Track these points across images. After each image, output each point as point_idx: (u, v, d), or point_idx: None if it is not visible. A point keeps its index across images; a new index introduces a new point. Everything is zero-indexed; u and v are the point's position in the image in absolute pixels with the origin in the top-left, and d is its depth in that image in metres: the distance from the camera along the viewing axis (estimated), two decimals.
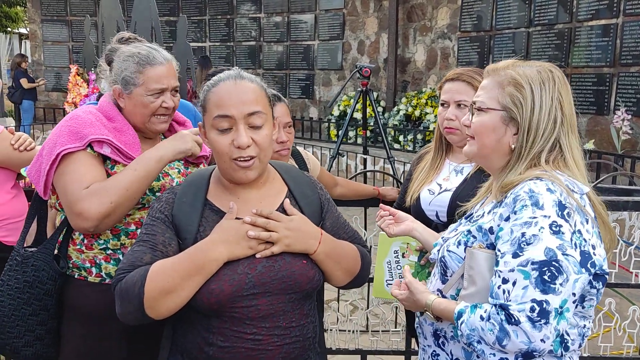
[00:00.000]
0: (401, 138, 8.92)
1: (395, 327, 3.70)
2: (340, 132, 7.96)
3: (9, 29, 23.20)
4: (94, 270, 1.83)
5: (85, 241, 1.82)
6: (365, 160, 6.94)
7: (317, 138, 10.10)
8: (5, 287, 1.82)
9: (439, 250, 1.53)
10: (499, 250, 1.31)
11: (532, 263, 1.24)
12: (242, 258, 1.42)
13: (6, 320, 1.80)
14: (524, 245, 1.26)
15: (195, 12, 12.30)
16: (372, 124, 8.45)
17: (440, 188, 2.07)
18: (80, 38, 12.42)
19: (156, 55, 1.84)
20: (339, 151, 6.73)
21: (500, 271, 1.28)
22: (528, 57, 7.82)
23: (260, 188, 1.53)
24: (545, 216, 1.26)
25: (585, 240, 1.29)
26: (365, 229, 3.20)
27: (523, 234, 1.27)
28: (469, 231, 1.42)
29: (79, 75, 7.32)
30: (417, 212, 2.07)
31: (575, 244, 1.27)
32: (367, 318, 3.58)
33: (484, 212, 1.45)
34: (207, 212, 1.49)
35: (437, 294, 1.47)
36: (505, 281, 1.26)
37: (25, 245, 1.89)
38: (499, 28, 8.26)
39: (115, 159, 1.78)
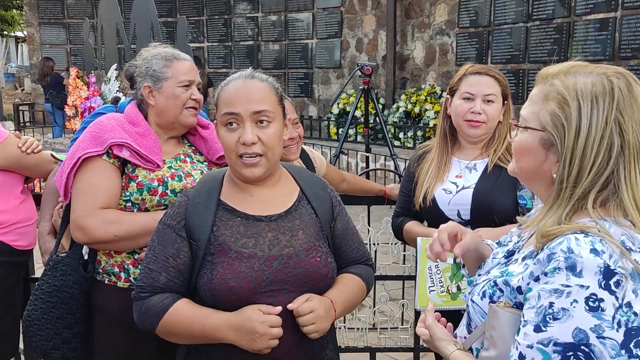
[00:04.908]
0: (401, 135, 8.92)
1: (402, 325, 3.71)
2: (341, 130, 7.96)
3: (5, 32, 23.17)
4: (122, 275, 1.86)
5: None
6: (367, 158, 6.95)
7: (317, 137, 10.11)
8: (38, 292, 1.88)
9: (469, 292, 1.32)
10: (523, 316, 1.08)
11: (556, 344, 1.01)
12: (259, 255, 1.45)
13: (37, 324, 1.85)
14: (550, 318, 1.02)
15: (192, 12, 12.27)
16: (371, 121, 8.46)
17: (457, 186, 2.03)
18: (78, 41, 12.40)
19: (179, 52, 1.96)
20: (341, 149, 6.75)
21: (519, 343, 1.06)
22: (527, 52, 7.84)
23: (272, 187, 1.56)
24: (582, 286, 1.00)
25: (635, 314, 1.01)
26: (369, 225, 3.21)
27: (551, 304, 1.03)
28: (496, 283, 1.20)
29: (79, 78, 7.28)
30: (435, 213, 2.02)
31: (619, 322, 1.00)
32: (375, 315, 3.59)
33: (518, 258, 1.22)
34: (220, 212, 1.51)
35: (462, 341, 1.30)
36: (521, 357, 1.05)
37: (62, 251, 1.94)
38: (497, 23, 8.26)
39: (135, 163, 1.83)
